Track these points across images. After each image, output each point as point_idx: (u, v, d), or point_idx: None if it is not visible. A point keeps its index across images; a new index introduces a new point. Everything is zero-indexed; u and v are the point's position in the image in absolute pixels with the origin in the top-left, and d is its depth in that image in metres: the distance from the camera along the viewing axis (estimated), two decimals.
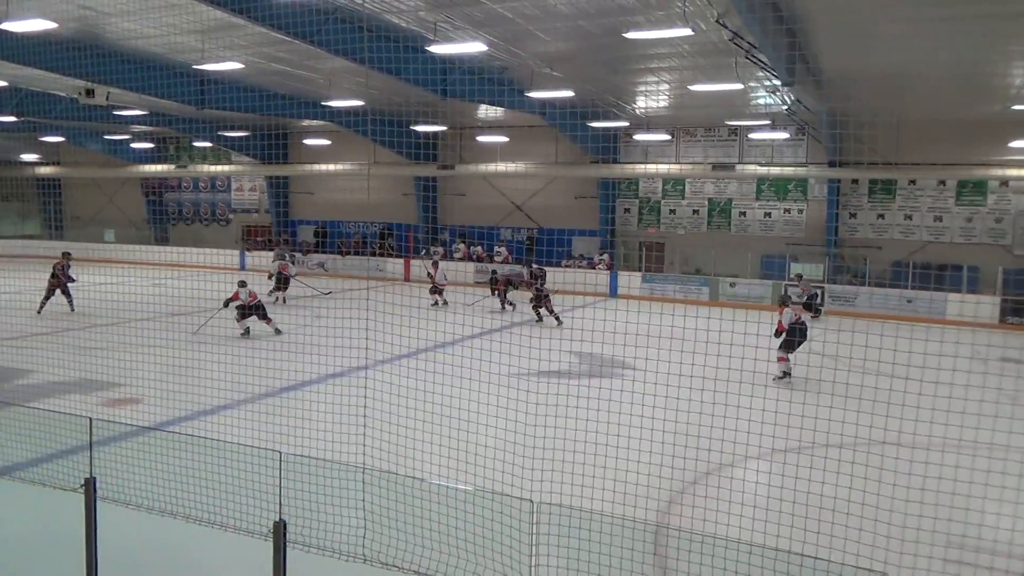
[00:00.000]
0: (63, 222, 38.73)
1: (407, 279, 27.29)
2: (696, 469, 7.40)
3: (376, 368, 10.94)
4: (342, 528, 4.64)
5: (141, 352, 12.44)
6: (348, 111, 24.93)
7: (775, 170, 24.35)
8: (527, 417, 8.15)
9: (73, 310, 18.01)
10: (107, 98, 19.46)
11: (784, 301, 12.88)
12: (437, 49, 15.28)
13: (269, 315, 15.80)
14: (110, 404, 10.45)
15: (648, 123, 25.50)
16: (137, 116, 26.86)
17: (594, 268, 25.96)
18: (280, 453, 4.47)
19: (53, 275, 18.66)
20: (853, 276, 23.26)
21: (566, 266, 26.41)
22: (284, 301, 20.82)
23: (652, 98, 21.78)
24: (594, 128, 25.46)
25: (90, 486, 4.63)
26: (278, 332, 15.33)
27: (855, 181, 24.07)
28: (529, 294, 18.72)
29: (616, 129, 26.55)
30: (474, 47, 15.31)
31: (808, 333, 12.46)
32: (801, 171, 24.18)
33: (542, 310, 18.04)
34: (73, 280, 18.79)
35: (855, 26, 13.14)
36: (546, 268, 21.46)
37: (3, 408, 8.50)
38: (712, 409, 7.18)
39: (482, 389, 8.97)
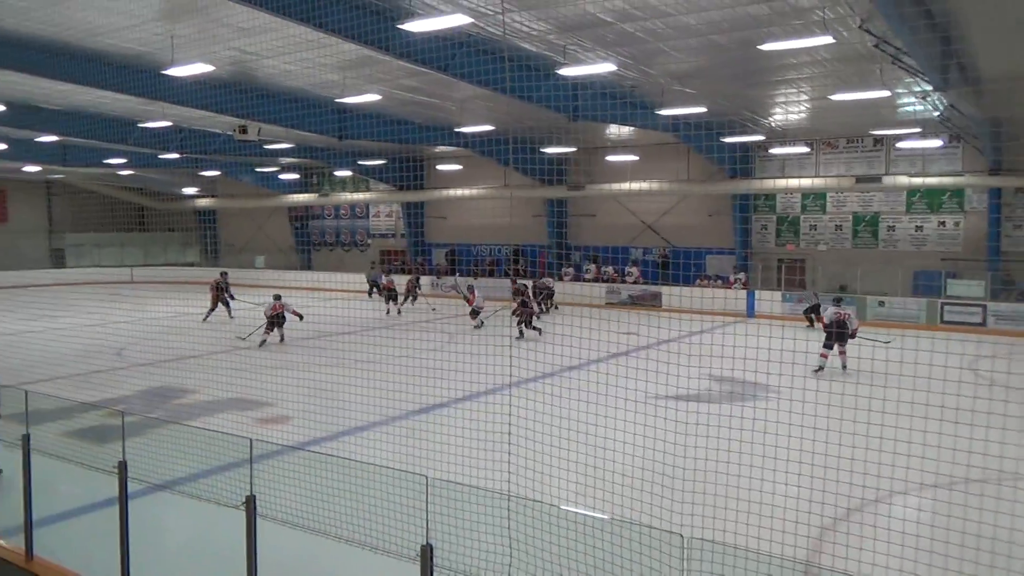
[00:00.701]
0: (219, 250, 41.75)
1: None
2: (848, 505, 6.94)
3: (503, 392, 11.01)
4: (488, 555, 4.64)
5: (287, 373, 13.09)
6: (479, 136, 25.51)
7: (929, 180, 22.78)
8: (666, 445, 7.93)
9: (231, 318, 21.03)
10: (258, 133, 20.86)
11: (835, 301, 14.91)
12: (567, 71, 15.37)
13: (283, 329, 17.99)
14: (262, 423, 11.03)
15: (785, 135, 24.56)
16: (284, 149, 28.60)
17: (729, 287, 25.17)
18: (426, 478, 4.53)
19: (217, 288, 21.97)
20: (1021, 293, 21.37)
21: (699, 285, 25.74)
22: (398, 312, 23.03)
23: (790, 110, 20.97)
24: (728, 143, 24.80)
25: (251, 504, 4.86)
26: (282, 340, 17.66)
27: (1020, 190, 22.16)
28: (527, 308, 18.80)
29: (751, 143, 25.75)
30: (604, 68, 15.29)
31: (848, 330, 13.78)
32: (960, 180, 22.50)
33: (522, 326, 18.12)
34: (232, 298, 22.12)
35: (1015, 23, 12.13)
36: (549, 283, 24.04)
37: (167, 425, 9.12)
38: (853, 440, 6.72)
39: (618, 415, 8.82)
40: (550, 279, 25.16)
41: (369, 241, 37.32)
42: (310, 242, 38.86)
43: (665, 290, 25.23)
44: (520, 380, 11.14)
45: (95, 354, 15.68)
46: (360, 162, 30.32)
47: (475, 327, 19.86)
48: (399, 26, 12.82)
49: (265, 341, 17.50)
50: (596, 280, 27.88)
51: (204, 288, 26.97)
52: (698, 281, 26.28)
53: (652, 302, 25.22)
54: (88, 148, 30.05)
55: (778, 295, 23.79)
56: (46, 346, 15.80)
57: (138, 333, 18.90)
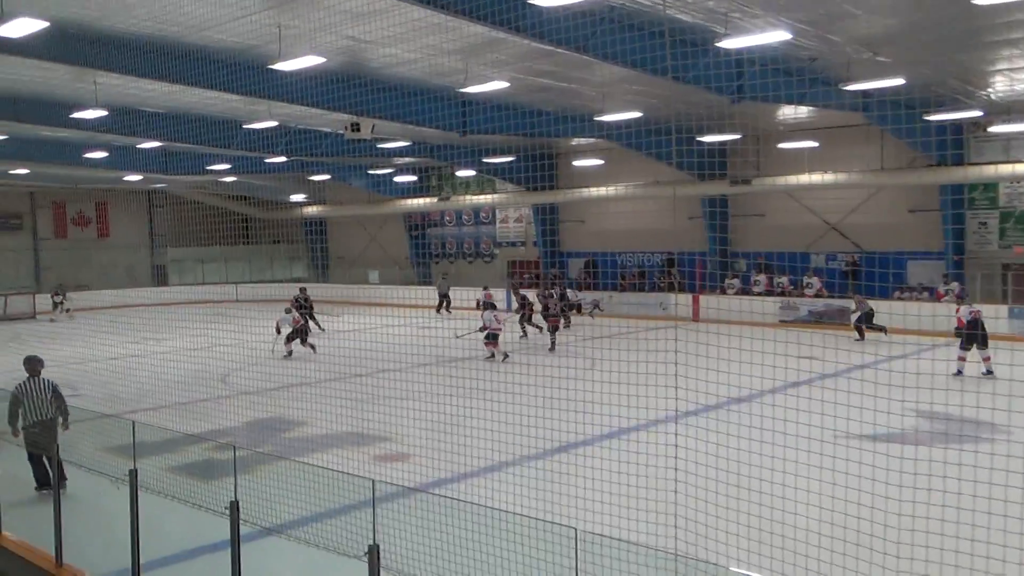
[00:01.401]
0: (328, 263, 43.69)
1: (695, 318, 26.92)
2: None
3: (659, 427, 10.84)
4: None
5: (406, 404, 13.43)
6: (623, 125, 25.42)
7: None
8: (860, 495, 7.54)
9: (315, 351, 21.70)
10: (372, 131, 21.64)
11: (960, 297, 14.25)
12: (730, 44, 15.03)
13: (310, 340, 21.70)
14: (381, 460, 11.37)
15: (1010, 110, 23.05)
16: (400, 148, 29.59)
17: (939, 300, 23.79)
18: (575, 530, 4.50)
19: (298, 307, 23.40)
20: None
21: (899, 297, 24.48)
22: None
23: (1015, 77, 19.67)
24: (933, 122, 23.50)
25: (374, 555, 5.00)
26: (314, 350, 21.33)
27: None
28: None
29: (963, 121, 24.30)
30: (775, 37, 14.85)
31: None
32: None
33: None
34: (310, 317, 23.81)
35: None
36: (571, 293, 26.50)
37: (278, 461, 9.55)
38: None
39: (800, 458, 8.48)
40: (573, 292, 28.47)
41: (495, 250, 37.94)
42: (428, 253, 39.98)
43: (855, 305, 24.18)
44: (680, 414, 10.95)
45: (199, 381, 16.70)
46: (485, 160, 30.94)
47: (497, 357, 19.91)
48: (531, 1, 12.98)
49: (292, 352, 21.34)
50: (768, 293, 27.08)
51: (316, 306, 28.19)
52: (897, 293, 25.02)
53: (839, 319, 24.21)
54: (191, 154, 32.24)
55: (1004, 310, 22.26)
56: (151, 372, 16.96)
57: (243, 357, 20.01)
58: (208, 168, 33.39)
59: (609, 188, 30.76)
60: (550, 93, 22.09)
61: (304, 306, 24.22)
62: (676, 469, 7.34)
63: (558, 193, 32.65)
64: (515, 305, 25.96)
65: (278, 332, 22.46)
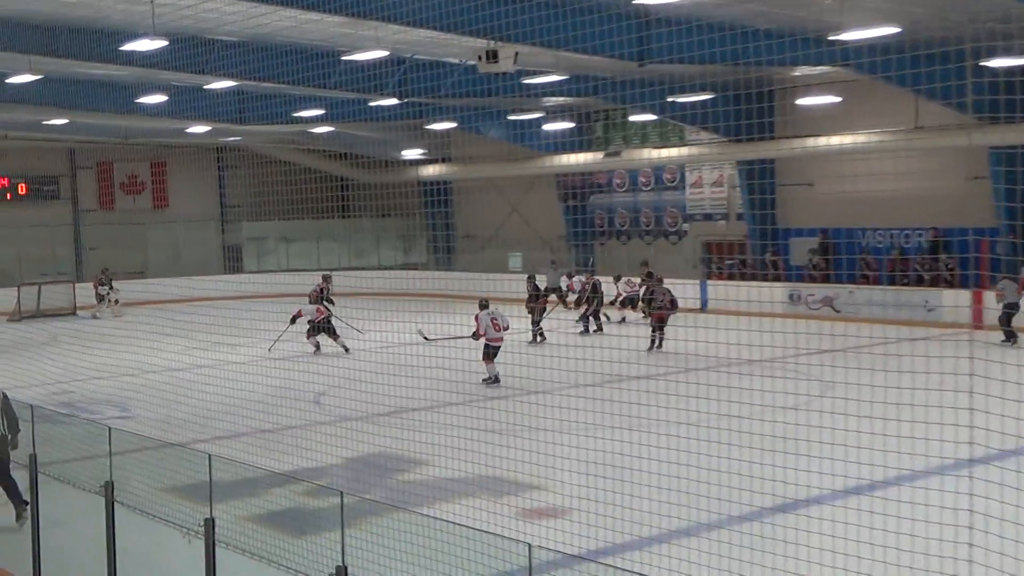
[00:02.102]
0: (454, 244, 44.32)
1: (978, 324, 25.88)
2: None
3: (929, 478, 10.46)
4: None
5: (556, 437, 13.47)
6: (871, 47, 24.64)
7: None
8: None
9: (347, 351, 24.48)
10: (514, 61, 21.82)
11: None
12: None
13: (338, 332, 25.11)
14: (529, 515, 11.46)
15: None
16: (552, 83, 29.71)
17: None
18: None
19: (320, 298, 26.11)
20: None
21: None
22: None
23: None
24: None
25: None
26: (346, 350, 24.37)
27: None
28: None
29: None
30: None
31: None
32: None
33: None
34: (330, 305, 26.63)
35: None
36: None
37: (393, 513, 9.77)
38: None
39: None
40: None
41: (685, 226, 37.61)
42: (591, 230, 40.02)
43: None
44: (969, 461, 10.56)
45: (286, 401, 17.32)
46: (671, 99, 30.67)
47: (487, 380, 20.93)
48: None
49: (319, 347, 25.30)
50: None
51: (435, 304, 28.82)
52: None
53: None
54: (273, 96, 33.40)
55: None
56: (223, 388, 17.70)
57: (342, 371, 20.59)
58: (296, 116, 34.50)
59: (850, 137, 29.90)
60: (765, 3, 21.70)
61: (327, 300, 27.03)
62: (971, 544, 7.08)
63: (775, 145, 32.03)
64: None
65: (292, 322, 25.59)
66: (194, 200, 46.79)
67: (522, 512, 11.63)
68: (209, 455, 7.81)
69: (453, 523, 7.64)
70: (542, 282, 30.14)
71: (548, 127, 38.16)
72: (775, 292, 29.61)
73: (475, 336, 21.15)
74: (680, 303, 25.89)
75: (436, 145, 41.30)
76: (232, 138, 40.92)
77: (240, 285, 33.20)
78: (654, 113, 33.32)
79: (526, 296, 28.55)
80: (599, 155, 37.13)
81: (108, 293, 37.00)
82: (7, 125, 36.34)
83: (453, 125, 37.38)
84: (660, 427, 13.35)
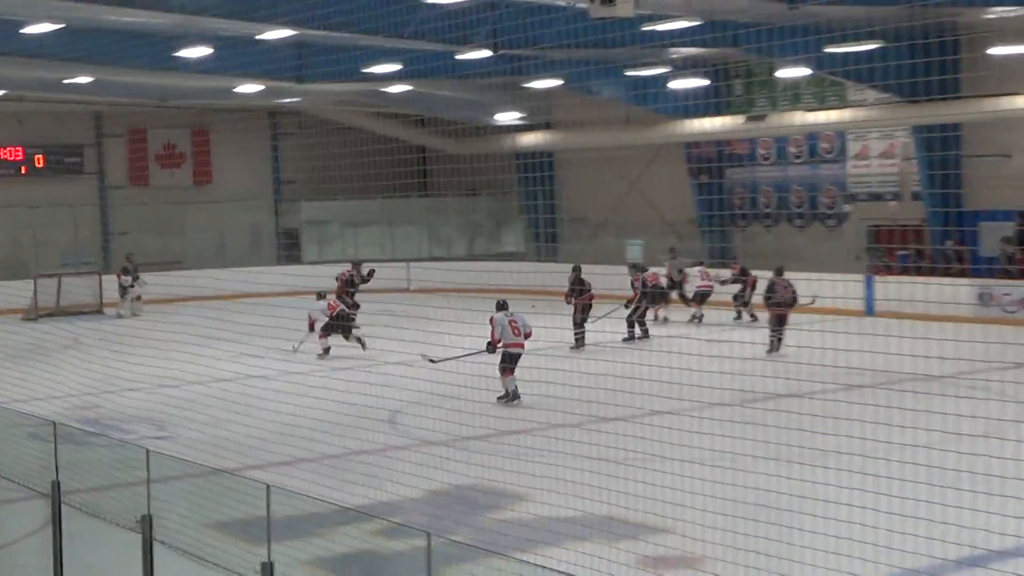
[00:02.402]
0: (559, 229, 44.22)
1: None
2: None
3: None
4: None
5: (690, 468, 13.41)
6: None
7: None
8: None
9: (364, 348, 26.58)
10: (635, 3, 21.77)
11: None
12: None
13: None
14: (654, 565, 11.45)
15: None
16: (681, 31, 29.55)
17: None
18: None
19: (348, 283, 28.43)
20: None
21: None
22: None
23: None
24: None
25: None
26: (363, 347, 26.52)
27: None
28: None
29: None
30: None
31: None
32: None
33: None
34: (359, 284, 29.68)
35: None
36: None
37: (485, 559, 9.82)
38: None
39: None
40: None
41: (846, 208, 37.18)
42: (729, 212, 39.73)
43: None
44: None
45: (355, 421, 17.47)
46: (829, 50, 30.33)
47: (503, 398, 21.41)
48: None
49: (329, 349, 26.81)
50: None
51: (535, 302, 28.88)
52: None
53: None
54: (339, 48, 33.65)
55: None
56: (279, 404, 17.94)
57: (421, 386, 20.71)
58: (366, 71, 34.74)
59: None
60: None
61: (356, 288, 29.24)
62: None
63: (961, 106, 31.53)
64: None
65: (311, 329, 26.91)
66: (243, 175, 47.37)
67: (643, 560, 11.63)
68: (268, 485, 7.95)
69: (559, 572, 7.67)
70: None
71: (675, 85, 37.96)
72: (960, 291, 29.09)
73: (490, 347, 21.35)
74: (841, 303, 25.81)
75: (537, 108, 41.23)
76: (289, 100, 41.38)
77: (297, 279, 33.36)
78: (808, 67, 32.96)
79: (575, 291, 29.13)
80: (739, 120, 36.88)
81: (131, 285, 37.53)
82: (22, 84, 37.02)
83: (558, 83, 37.35)
84: (815, 458, 13.25)
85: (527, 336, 21.60)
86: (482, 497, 14.52)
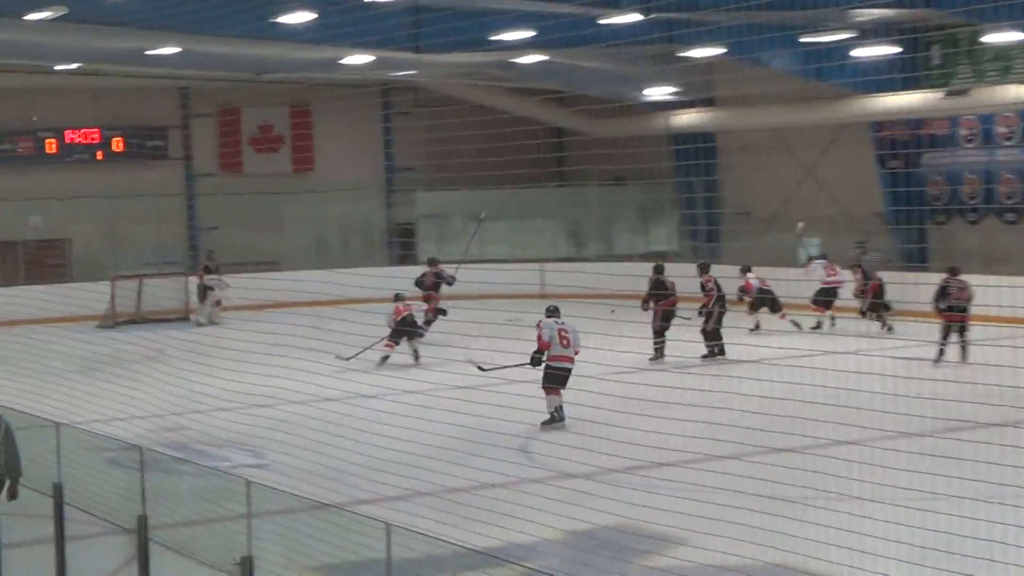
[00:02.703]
0: (719, 224, 43.94)
1: None
2: None
3: None
4: None
5: (878, 511, 13.30)
6: None
7: None
8: None
9: (417, 360, 28.64)
10: None
11: None
12: None
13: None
14: None
15: None
16: None
17: None
18: None
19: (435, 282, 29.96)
20: None
21: None
22: None
23: None
24: None
25: None
26: (416, 358, 28.88)
27: None
28: None
29: None
30: None
31: None
32: None
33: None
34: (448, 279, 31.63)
35: None
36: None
37: None
38: None
39: None
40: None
41: None
42: (924, 205, 39.23)
43: None
44: None
45: (483, 448, 17.58)
46: None
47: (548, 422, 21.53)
48: None
49: (388, 358, 28.43)
50: None
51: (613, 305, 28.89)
52: None
53: None
54: (463, 13, 33.83)
55: None
56: (396, 428, 18.11)
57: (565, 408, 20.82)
58: (493, 40, 34.85)
59: None
60: None
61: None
62: None
63: None
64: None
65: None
66: (349, 161, 47.70)
67: None
68: (387, 524, 8.05)
69: None
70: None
71: (860, 54, 37.62)
72: None
73: (534, 358, 21.69)
74: None
75: (695, 82, 41.09)
76: (404, 73, 41.66)
77: (408, 283, 33.48)
78: (1022, 31, 32.46)
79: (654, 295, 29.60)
80: (937, 94, 36.42)
81: (212, 288, 38.04)
82: (99, 56, 37.51)
83: (720, 52, 37.19)
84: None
85: (576, 353, 21.73)
86: (630, 540, 14.53)
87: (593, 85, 42.07)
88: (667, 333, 29.08)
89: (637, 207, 47.12)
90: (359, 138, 47.45)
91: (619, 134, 43.62)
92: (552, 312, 22.24)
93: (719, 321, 29.73)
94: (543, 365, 21.53)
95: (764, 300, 33.03)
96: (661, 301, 29.12)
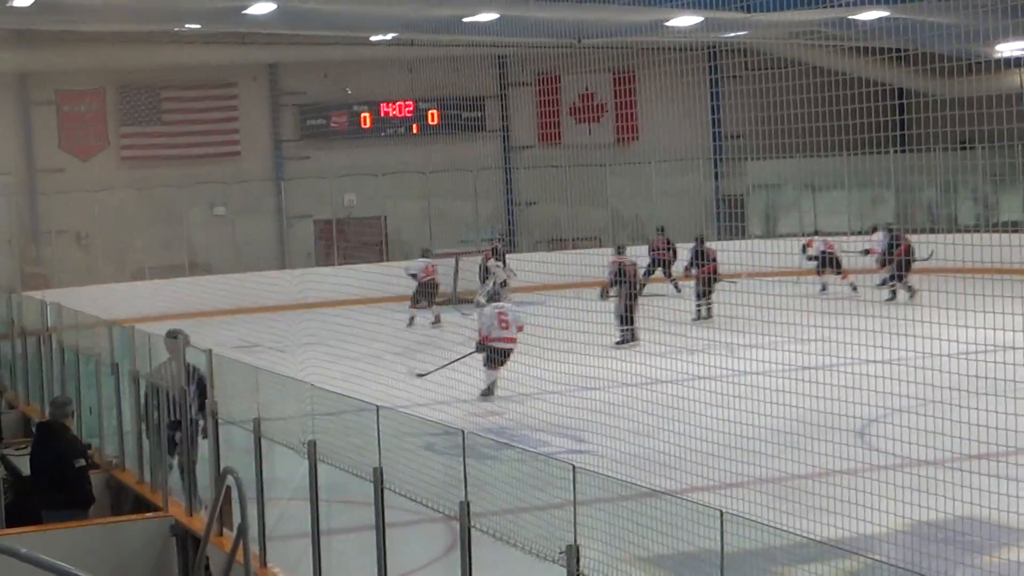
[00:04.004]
0: None
1: None
2: None
3: None
4: None
5: None
6: None
7: None
8: None
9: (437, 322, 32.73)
10: None
11: None
12: None
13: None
14: None
15: None
16: None
17: None
18: None
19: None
20: None
21: None
22: None
23: None
24: None
25: None
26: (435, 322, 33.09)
27: None
28: None
29: None
30: None
31: None
32: None
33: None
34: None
35: None
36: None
37: None
38: None
39: None
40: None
41: None
42: None
43: None
44: None
45: (818, 431, 17.24)
46: None
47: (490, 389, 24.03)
48: None
49: (414, 319, 33.35)
50: None
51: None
52: None
53: None
54: None
55: None
56: (723, 411, 17.99)
57: (903, 388, 20.30)
58: None
59: None
60: None
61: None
62: None
63: None
64: None
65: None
66: (674, 130, 47.50)
67: None
68: (721, 512, 7.91)
69: None
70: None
71: None
72: None
73: (482, 346, 23.62)
74: None
75: None
76: (733, 34, 41.41)
77: (741, 254, 32.55)
78: None
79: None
80: None
81: (497, 270, 38.00)
82: (415, 26, 38.31)
83: None
84: None
85: (519, 330, 23.76)
86: (983, 530, 14.15)
87: (939, 42, 41.19)
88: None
89: (985, 173, 45.87)
90: (684, 105, 47.21)
91: (967, 94, 42.54)
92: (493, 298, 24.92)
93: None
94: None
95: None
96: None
